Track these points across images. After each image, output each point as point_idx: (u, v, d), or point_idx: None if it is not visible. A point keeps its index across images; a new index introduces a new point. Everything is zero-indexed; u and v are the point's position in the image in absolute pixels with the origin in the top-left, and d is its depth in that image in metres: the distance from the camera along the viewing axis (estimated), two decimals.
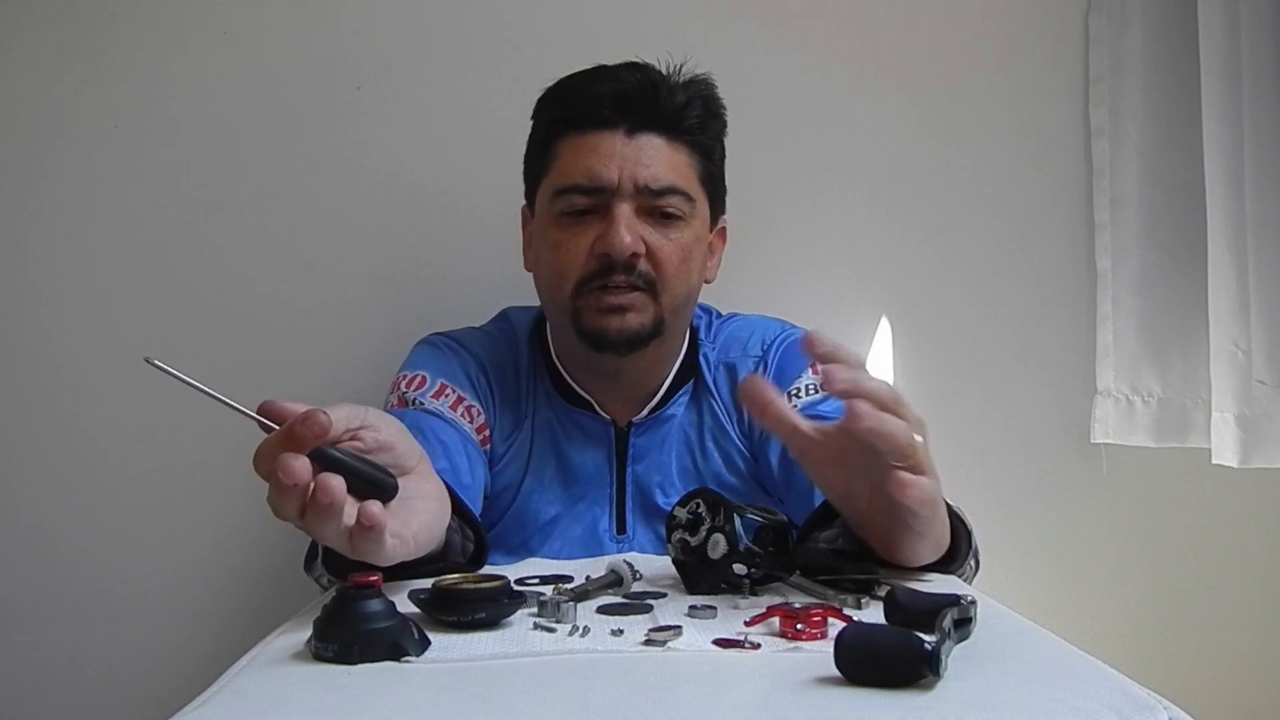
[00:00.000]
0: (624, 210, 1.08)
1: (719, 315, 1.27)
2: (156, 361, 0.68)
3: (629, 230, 1.07)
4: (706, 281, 1.20)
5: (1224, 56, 1.34)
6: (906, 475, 0.77)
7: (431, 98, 1.46)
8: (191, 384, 0.69)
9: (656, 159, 1.09)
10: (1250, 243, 1.32)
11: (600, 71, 1.13)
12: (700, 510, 0.85)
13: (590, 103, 1.10)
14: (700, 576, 0.85)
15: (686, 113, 1.11)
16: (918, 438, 0.78)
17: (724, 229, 1.23)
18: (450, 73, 1.46)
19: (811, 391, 1.14)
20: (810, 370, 1.17)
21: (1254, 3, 1.31)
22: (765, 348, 1.20)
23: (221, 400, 0.70)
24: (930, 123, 1.51)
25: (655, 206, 1.09)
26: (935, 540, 0.87)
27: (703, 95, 1.13)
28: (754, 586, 0.83)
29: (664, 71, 1.12)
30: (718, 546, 0.83)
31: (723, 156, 1.18)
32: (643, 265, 1.09)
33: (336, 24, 1.48)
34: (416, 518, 0.76)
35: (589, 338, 1.10)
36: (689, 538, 0.85)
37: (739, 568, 0.83)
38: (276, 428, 0.69)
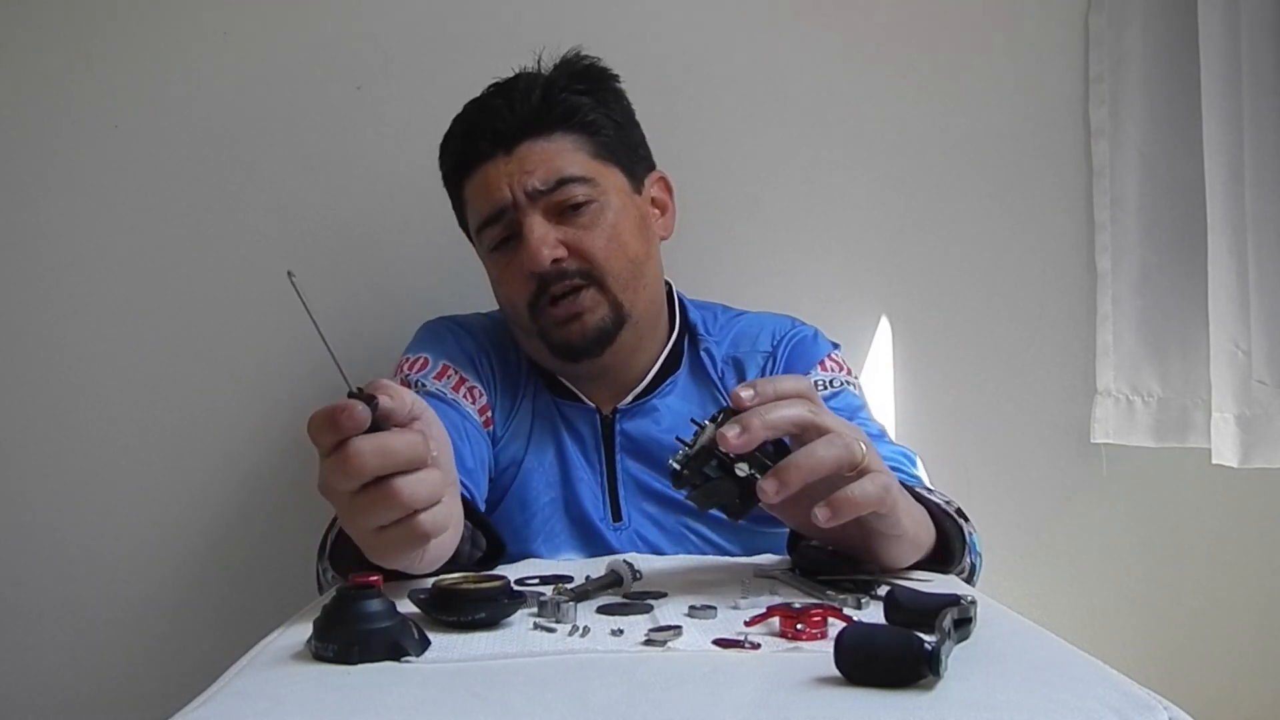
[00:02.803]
0: (531, 222, 1.10)
1: (726, 312, 1.27)
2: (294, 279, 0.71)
3: (540, 242, 1.09)
4: (662, 239, 1.21)
5: (1224, 56, 1.34)
6: (840, 495, 0.77)
7: (431, 98, 1.46)
8: (317, 326, 0.71)
9: (538, 160, 1.11)
10: (1250, 243, 1.32)
11: (469, 109, 1.17)
12: (707, 423, 0.81)
13: (468, 143, 1.15)
14: (688, 470, 0.81)
15: (549, 105, 1.13)
16: (861, 445, 0.79)
17: (662, 180, 1.23)
18: (450, 73, 1.46)
19: (818, 388, 1.15)
20: (818, 368, 1.18)
21: (1254, 3, 1.31)
22: (775, 343, 1.22)
23: (334, 359, 0.71)
24: (929, 122, 1.51)
25: (558, 203, 1.11)
26: (913, 540, 0.87)
27: (567, 78, 1.15)
28: (743, 496, 0.80)
29: (526, 73, 1.15)
30: (704, 434, 0.80)
31: (619, 123, 1.17)
32: (572, 264, 1.11)
33: (336, 24, 1.48)
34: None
35: (562, 352, 1.14)
36: (690, 449, 0.82)
37: (741, 469, 0.79)
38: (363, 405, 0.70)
